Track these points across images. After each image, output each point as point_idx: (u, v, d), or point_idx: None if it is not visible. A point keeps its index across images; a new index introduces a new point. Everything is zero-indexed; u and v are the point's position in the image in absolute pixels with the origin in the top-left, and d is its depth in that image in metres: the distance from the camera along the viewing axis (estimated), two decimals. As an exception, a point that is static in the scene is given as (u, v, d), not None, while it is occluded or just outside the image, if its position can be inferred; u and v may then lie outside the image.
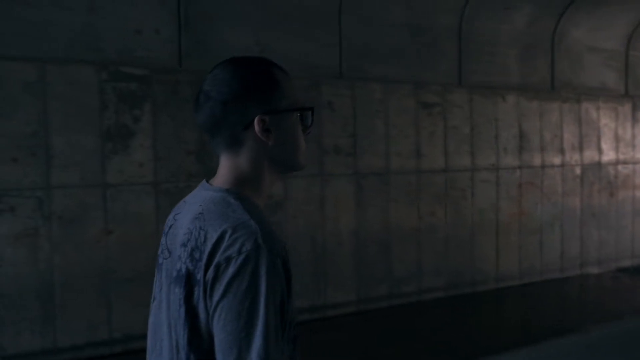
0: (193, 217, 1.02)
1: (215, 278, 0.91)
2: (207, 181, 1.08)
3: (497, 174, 5.32)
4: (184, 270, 0.99)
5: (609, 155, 6.14)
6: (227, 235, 0.93)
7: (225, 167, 1.05)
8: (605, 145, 6.11)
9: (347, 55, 4.51)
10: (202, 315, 0.96)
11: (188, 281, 0.98)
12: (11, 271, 3.41)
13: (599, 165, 6.05)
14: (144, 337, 3.84)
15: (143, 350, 3.99)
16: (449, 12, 4.92)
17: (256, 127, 1.02)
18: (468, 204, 5.16)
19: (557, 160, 5.71)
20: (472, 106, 5.17)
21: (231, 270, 0.90)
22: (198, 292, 0.95)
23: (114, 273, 3.70)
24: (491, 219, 5.30)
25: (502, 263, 5.37)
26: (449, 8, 4.91)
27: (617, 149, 6.21)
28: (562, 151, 5.75)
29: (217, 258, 0.91)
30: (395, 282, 4.80)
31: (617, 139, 6.21)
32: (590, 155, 5.96)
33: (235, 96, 1.02)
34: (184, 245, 1.00)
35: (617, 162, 6.21)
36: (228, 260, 0.90)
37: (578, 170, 5.88)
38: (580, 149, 5.89)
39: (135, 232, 3.75)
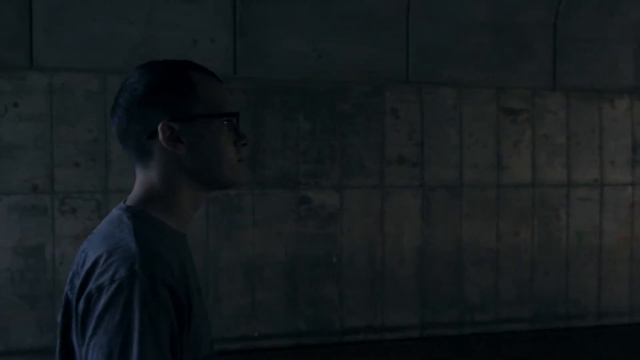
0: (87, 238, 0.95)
1: (86, 310, 0.81)
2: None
3: (601, 191, 4.55)
4: (64, 298, 0.91)
5: None
6: (102, 260, 0.84)
7: (137, 182, 0.98)
8: None
9: (415, 59, 4.18)
10: (77, 351, 0.86)
11: (66, 311, 0.89)
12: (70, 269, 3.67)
13: None
14: None
15: None
16: (540, 7, 4.34)
17: (160, 135, 0.92)
18: (562, 225, 4.48)
19: (686, 177, 4.74)
20: (568, 112, 4.49)
21: (102, 301, 0.80)
22: (74, 324, 0.87)
23: (163, 276, 3.81)
24: (592, 243, 4.54)
25: (605, 296, 4.57)
26: (540, 2, 4.32)
27: None
28: (694, 166, 4.76)
29: (90, 286, 0.82)
30: (467, 308, 4.32)
31: None
32: None
33: (138, 102, 0.94)
34: (71, 270, 0.94)
35: None
36: (100, 289, 0.81)
37: None
38: None
39: (184, 237, 3.82)
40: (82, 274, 0.85)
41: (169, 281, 0.82)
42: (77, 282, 0.87)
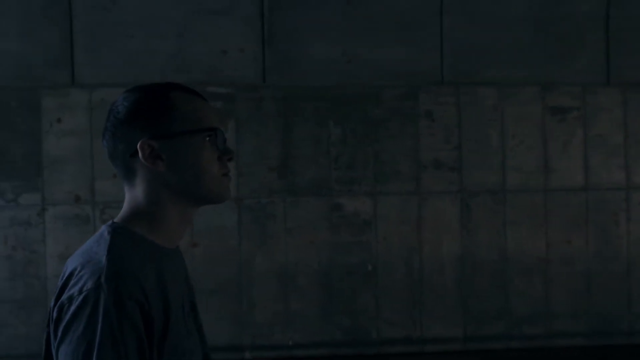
0: None
1: (58, 320, 0.87)
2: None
3: (667, 194, 4.14)
4: (49, 308, 0.97)
5: None
6: (76, 272, 0.89)
7: (125, 200, 1.03)
8: None
9: (450, 59, 4.01)
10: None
11: (49, 321, 0.95)
12: (111, 275, 3.83)
13: None
14: (225, 348, 3.96)
15: None
16: (588, -4, 4.03)
17: (140, 153, 0.96)
18: (621, 232, 4.12)
19: None
20: (626, 110, 4.13)
21: (70, 311, 0.85)
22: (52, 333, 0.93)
23: (198, 284, 3.88)
24: (658, 251, 4.13)
25: (675, 310, 4.14)
26: (588, -9, 4.02)
27: None
28: None
29: (63, 297, 0.88)
30: (515, 321, 4.06)
31: None
32: None
33: (121, 123, 0.98)
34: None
35: None
36: (70, 299, 0.86)
37: None
38: None
39: (217, 246, 3.88)
40: (60, 285, 0.90)
41: (136, 295, 0.85)
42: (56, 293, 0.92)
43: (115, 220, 1.00)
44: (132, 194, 1.01)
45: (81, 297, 0.85)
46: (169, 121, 0.97)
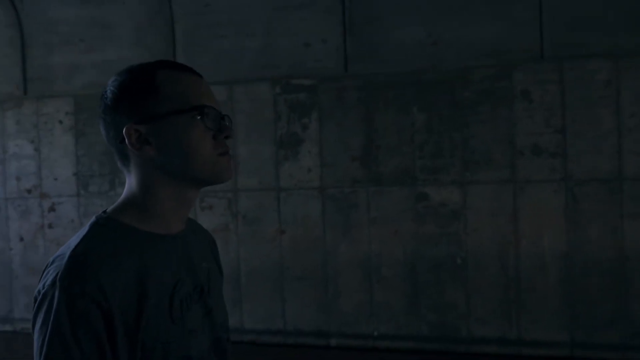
0: None
1: (33, 311, 0.90)
2: None
3: None
4: None
5: None
6: (48, 265, 0.90)
7: (124, 188, 1.00)
8: None
9: (552, 31, 3.56)
10: None
11: None
12: (210, 258, 4.16)
13: None
14: (312, 334, 4.18)
15: (313, 347, 4.40)
16: None
17: (126, 139, 0.93)
18: None
19: None
20: None
21: (35, 306, 0.88)
22: None
23: (286, 270, 4.04)
24: None
25: None
26: None
27: None
28: None
29: (36, 289, 0.90)
30: (635, 329, 3.51)
31: None
32: None
33: (109, 108, 0.96)
34: None
35: None
36: (38, 294, 0.88)
37: None
38: None
39: (303, 234, 3.99)
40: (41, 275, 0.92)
41: (91, 293, 0.84)
42: None
43: (107, 209, 0.98)
44: (128, 181, 0.98)
45: (43, 292, 0.86)
46: (154, 103, 0.93)
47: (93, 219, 0.96)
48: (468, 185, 3.72)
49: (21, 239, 4.53)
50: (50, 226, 4.47)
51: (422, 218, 3.79)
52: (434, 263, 3.78)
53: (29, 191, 4.51)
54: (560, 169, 3.58)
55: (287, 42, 3.97)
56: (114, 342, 0.86)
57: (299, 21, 3.95)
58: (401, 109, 3.81)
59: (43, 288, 0.87)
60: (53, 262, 0.89)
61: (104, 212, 0.97)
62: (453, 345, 3.76)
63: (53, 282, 0.85)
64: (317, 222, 3.95)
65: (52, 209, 4.46)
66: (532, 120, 3.61)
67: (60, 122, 4.44)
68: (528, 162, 3.63)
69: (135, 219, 0.95)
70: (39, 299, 0.87)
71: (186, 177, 0.96)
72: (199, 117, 0.93)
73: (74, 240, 0.92)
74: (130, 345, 0.87)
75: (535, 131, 3.61)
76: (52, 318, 0.83)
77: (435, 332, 3.79)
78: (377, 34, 3.83)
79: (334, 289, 3.95)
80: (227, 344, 1.09)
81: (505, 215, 3.67)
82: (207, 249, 1.14)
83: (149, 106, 0.93)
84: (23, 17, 4.41)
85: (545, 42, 3.58)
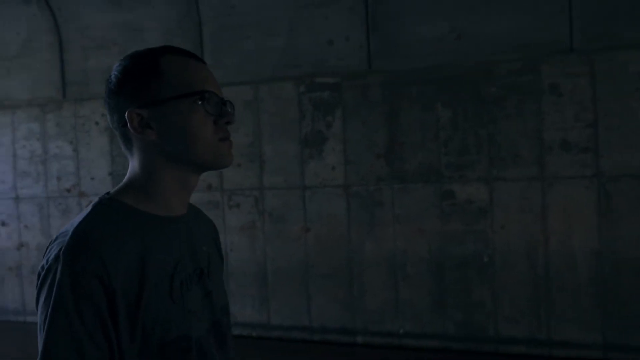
0: None
1: (36, 286, 0.92)
2: None
3: None
4: None
5: None
6: (52, 242, 0.93)
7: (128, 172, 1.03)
8: None
9: (582, 22, 3.44)
10: None
11: None
12: (238, 255, 4.24)
13: None
14: (338, 331, 4.25)
15: (338, 344, 4.49)
16: None
17: (128, 123, 0.95)
18: None
19: None
20: None
21: (39, 281, 0.90)
22: None
23: (312, 268, 4.07)
24: None
25: None
26: None
27: None
28: None
29: (40, 264, 0.93)
30: (672, 331, 3.36)
31: None
32: None
33: (113, 93, 0.98)
34: None
35: None
36: (41, 269, 0.90)
37: None
38: None
39: (328, 232, 4.01)
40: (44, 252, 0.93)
41: (94, 269, 0.86)
42: None
43: (110, 191, 0.99)
44: (132, 164, 1.00)
45: (46, 267, 0.88)
46: (156, 88, 0.94)
47: (96, 199, 0.97)
48: (495, 182, 3.65)
49: (62, 236, 4.74)
50: (88, 224, 4.65)
51: (448, 215, 3.74)
52: (460, 261, 3.73)
53: (68, 190, 4.72)
54: (591, 165, 3.46)
55: (310, 41, 3.99)
56: (116, 320, 0.87)
57: (322, 19, 3.96)
58: (425, 105, 3.77)
59: (47, 263, 0.88)
60: (57, 238, 0.91)
61: (107, 193, 1.00)
62: (480, 345, 3.71)
63: (56, 257, 0.86)
64: (342, 220, 3.97)
65: (89, 207, 4.65)
66: (561, 115, 3.51)
67: (97, 123, 4.62)
68: (557, 158, 3.52)
69: (138, 201, 0.97)
70: (42, 274, 0.88)
71: (187, 161, 0.97)
72: (199, 102, 0.94)
73: (77, 219, 0.93)
74: (131, 325, 0.89)
75: (565, 126, 3.50)
76: (54, 292, 0.84)
77: (461, 331, 3.74)
78: (400, 29, 3.80)
79: (359, 287, 3.95)
80: (227, 329, 1.09)
81: (534, 213, 3.58)
82: (208, 234, 1.15)
83: (152, 91, 0.94)
84: (61, 23, 4.61)
85: (574, 34, 3.46)
